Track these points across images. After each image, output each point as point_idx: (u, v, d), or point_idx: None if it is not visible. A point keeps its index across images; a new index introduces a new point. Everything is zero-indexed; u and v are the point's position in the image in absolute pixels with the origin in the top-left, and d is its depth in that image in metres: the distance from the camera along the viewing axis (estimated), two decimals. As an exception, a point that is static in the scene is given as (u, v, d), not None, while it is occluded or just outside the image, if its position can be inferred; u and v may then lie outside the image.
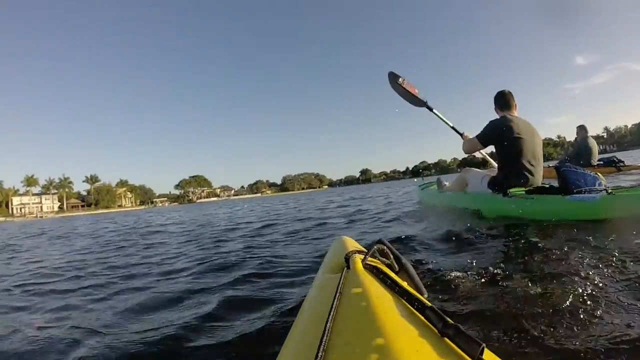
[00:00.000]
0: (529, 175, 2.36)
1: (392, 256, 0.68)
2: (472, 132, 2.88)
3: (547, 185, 2.24)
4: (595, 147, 5.42)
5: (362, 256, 0.61)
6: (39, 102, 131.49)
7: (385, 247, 0.68)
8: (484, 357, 0.32)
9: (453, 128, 3.14)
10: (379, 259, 0.68)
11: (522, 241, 1.62)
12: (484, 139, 2.54)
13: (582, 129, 5.51)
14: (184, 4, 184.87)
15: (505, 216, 2.24)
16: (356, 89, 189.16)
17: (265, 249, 2.38)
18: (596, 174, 2.06)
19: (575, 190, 1.97)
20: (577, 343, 0.72)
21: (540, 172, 2.43)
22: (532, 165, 2.37)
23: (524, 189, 2.28)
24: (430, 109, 3.30)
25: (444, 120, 3.21)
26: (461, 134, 3.01)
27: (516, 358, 0.69)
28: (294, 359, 0.43)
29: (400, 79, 3.34)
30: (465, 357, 0.33)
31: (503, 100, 2.55)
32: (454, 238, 1.82)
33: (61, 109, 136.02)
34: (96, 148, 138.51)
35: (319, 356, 0.35)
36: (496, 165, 3.00)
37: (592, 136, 5.63)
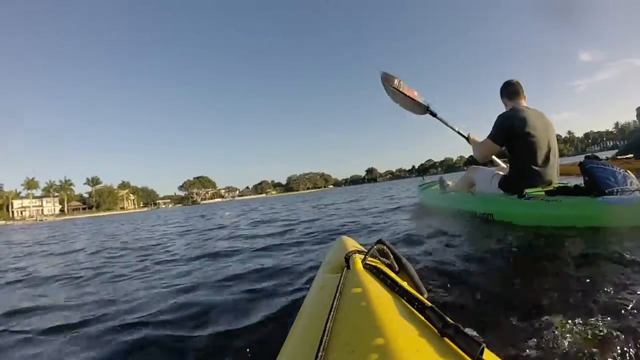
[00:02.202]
0: (545, 173, 2.14)
1: (392, 256, 0.68)
2: (479, 135, 2.61)
3: (571, 185, 1.95)
4: None
5: (362, 256, 0.61)
6: (39, 104, 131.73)
7: (385, 247, 0.68)
8: (484, 357, 0.32)
9: (459, 133, 2.82)
10: (379, 259, 0.68)
11: (532, 248, 1.54)
12: (498, 136, 2.21)
13: None
14: (185, 3, 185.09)
15: (521, 221, 1.97)
16: (360, 88, 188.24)
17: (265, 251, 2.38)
18: (626, 171, 1.81)
19: (607, 191, 1.69)
20: (578, 343, 0.72)
21: (555, 168, 2.19)
22: (547, 161, 2.14)
23: (541, 188, 2.07)
24: (434, 115, 2.89)
25: (449, 126, 2.87)
26: (467, 137, 2.73)
27: (516, 358, 0.69)
28: (294, 359, 0.43)
29: (395, 81, 2.81)
30: (465, 357, 0.33)
31: (511, 89, 2.29)
32: (456, 242, 1.77)
33: (62, 110, 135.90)
34: (98, 150, 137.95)
35: (319, 356, 0.35)
36: (502, 163, 2.76)
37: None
